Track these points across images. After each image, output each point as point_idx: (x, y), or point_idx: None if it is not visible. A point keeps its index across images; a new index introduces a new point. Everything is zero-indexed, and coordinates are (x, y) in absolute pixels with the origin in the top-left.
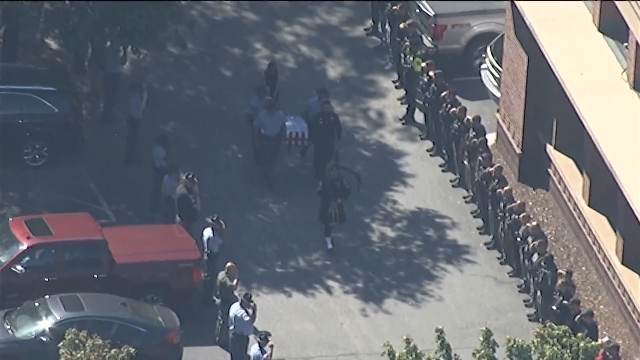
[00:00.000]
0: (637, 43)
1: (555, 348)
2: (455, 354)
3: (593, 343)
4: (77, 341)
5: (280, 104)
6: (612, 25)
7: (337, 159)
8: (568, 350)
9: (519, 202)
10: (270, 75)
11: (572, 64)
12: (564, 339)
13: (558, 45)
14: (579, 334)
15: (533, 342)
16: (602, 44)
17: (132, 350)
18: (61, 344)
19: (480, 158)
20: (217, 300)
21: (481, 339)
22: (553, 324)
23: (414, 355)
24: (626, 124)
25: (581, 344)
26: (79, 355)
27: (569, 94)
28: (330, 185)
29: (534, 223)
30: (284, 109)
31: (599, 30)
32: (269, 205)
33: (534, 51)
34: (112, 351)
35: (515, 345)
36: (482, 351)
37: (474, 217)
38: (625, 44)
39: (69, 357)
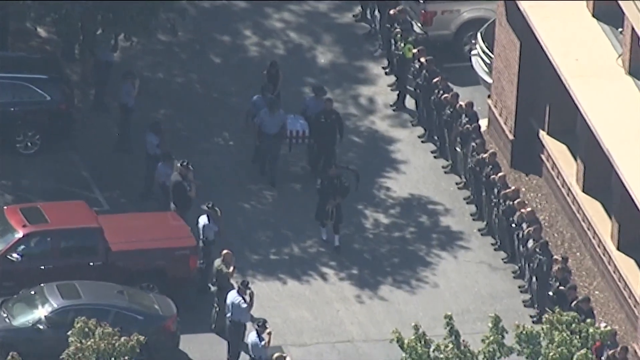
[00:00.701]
0: (632, 28)
1: (565, 334)
2: (464, 340)
3: (602, 329)
4: (86, 329)
5: (281, 102)
6: (605, 11)
7: (335, 157)
8: (577, 337)
9: (513, 188)
10: (272, 74)
11: (567, 49)
12: (573, 325)
13: (552, 31)
14: (588, 320)
15: (542, 329)
16: (597, 30)
17: (141, 338)
18: (70, 332)
19: (473, 144)
20: (213, 288)
21: (490, 325)
22: (561, 310)
23: (423, 342)
24: (622, 109)
25: (590, 330)
26: (89, 343)
27: (565, 79)
28: (329, 184)
29: (529, 209)
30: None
31: (593, 15)
32: (262, 192)
33: (527, 37)
34: (122, 339)
35: (524, 332)
36: (492, 337)
37: (467, 203)
38: (620, 29)
39: (78, 345)
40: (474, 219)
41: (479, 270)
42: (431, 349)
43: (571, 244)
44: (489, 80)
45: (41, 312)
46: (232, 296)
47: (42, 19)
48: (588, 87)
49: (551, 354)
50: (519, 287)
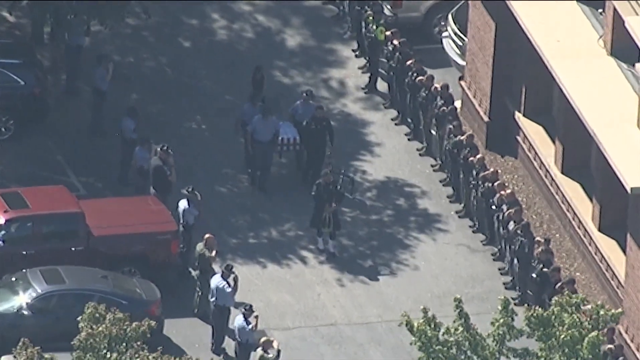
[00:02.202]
0: (614, 9)
1: (575, 316)
2: (472, 324)
3: (613, 311)
4: (97, 315)
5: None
6: None
7: (331, 163)
8: (588, 319)
9: (492, 170)
10: (257, 79)
11: (547, 31)
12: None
13: (532, 13)
14: (599, 302)
15: (553, 311)
16: (577, 11)
17: (153, 323)
18: (80, 317)
19: (450, 126)
20: (194, 272)
21: (500, 307)
22: (570, 293)
23: (432, 325)
24: (606, 90)
25: (601, 312)
26: (100, 328)
27: (547, 61)
28: (325, 190)
29: (509, 191)
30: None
31: None
32: (238, 176)
33: (502, 18)
34: (134, 324)
35: (534, 315)
36: (501, 320)
37: (444, 185)
38: (600, 10)
39: (90, 330)
40: (451, 202)
41: (459, 252)
42: (440, 332)
43: (550, 225)
44: (461, 62)
45: (25, 297)
46: (216, 280)
47: (16, 5)
48: (570, 68)
49: (562, 336)
50: (499, 269)
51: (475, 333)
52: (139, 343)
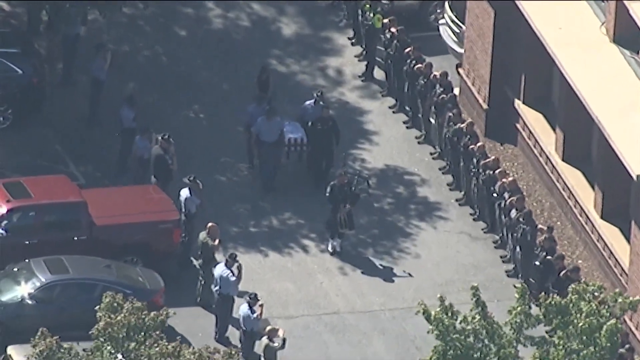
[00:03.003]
0: None
1: (593, 304)
2: (490, 312)
3: (632, 298)
4: (115, 304)
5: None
6: None
7: (345, 163)
8: (605, 307)
9: (493, 157)
10: (263, 80)
11: (549, 18)
12: (602, 295)
13: (534, 0)
14: (617, 290)
15: (570, 299)
16: None
17: (171, 312)
18: (98, 307)
19: (450, 114)
20: (196, 261)
21: (517, 295)
22: (587, 281)
23: (449, 314)
24: (610, 78)
25: (619, 300)
26: (118, 318)
27: (549, 48)
28: (340, 191)
29: (510, 178)
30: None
31: None
32: (237, 165)
33: (501, 6)
34: (152, 314)
35: (552, 303)
36: (519, 308)
37: (443, 173)
38: None
39: (108, 320)
40: (450, 189)
41: (460, 240)
42: (457, 321)
43: (551, 213)
44: (458, 50)
45: (29, 287)
46: (220, 269)
47: None
48: (573, 56)
49: (580, 324)
50: (501, 257)
51: (492, 321)
52: (157, 332)
